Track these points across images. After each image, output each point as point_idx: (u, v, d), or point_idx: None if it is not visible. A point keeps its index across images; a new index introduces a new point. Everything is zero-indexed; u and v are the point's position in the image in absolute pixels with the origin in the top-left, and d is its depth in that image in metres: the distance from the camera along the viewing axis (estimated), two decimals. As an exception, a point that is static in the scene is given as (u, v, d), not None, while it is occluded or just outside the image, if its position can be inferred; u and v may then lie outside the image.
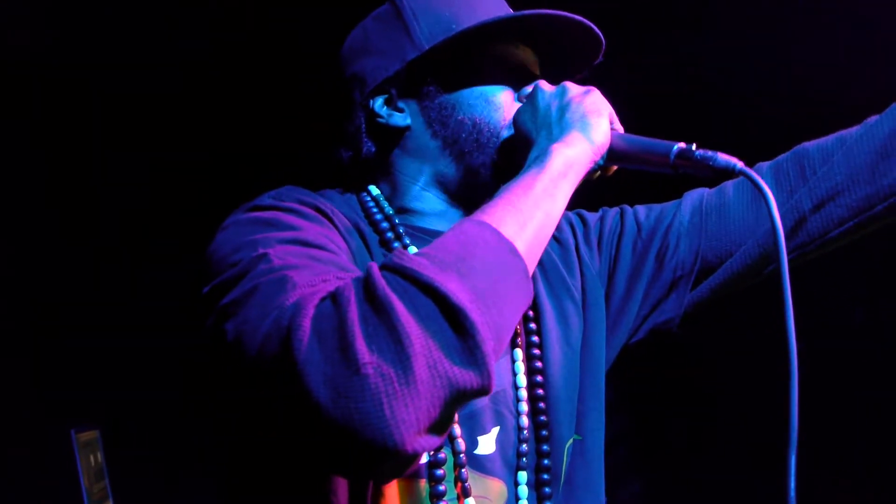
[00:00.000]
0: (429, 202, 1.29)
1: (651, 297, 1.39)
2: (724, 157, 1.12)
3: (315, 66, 2.97)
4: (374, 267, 0.92)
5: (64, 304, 3.12)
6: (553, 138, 1.14)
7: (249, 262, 1.02)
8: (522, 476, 1.20)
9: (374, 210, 1.27)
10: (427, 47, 1.25)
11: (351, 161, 1.33)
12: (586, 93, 1.19)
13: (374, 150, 1.30)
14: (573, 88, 1.20)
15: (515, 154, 1.21)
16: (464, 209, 1.29)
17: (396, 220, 1.26)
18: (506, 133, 1.25)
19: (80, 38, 2.81)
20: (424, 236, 1.25)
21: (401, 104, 1.29)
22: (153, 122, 3.09)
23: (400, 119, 1.29)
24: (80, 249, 3.20)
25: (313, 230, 1.09)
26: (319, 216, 1.14)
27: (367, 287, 0.89)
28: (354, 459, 0.87)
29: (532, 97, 1.22)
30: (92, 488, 2.79)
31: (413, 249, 1.21)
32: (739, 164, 1.11)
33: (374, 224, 1.25)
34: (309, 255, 1.02)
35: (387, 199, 1.31)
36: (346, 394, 0.84)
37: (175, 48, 2.88)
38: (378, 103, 1.29)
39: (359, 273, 0.99)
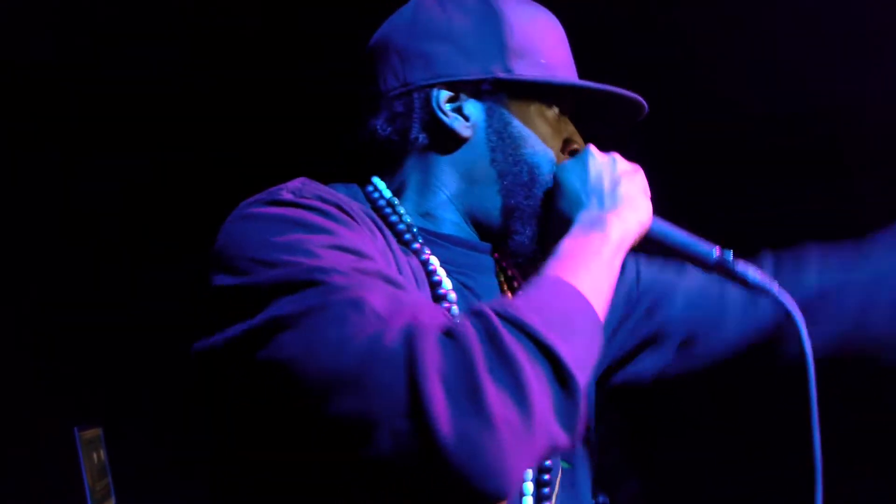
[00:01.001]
0: (449, 213, 1.23)
1: (630, 348, 1.39)
2: (758, 276, 1.13)
3: (313, 65, 3.01)
4: (491, 313, 0.91)
5: (66, 302, 3.13)
6: (605, 207, 1.14)
7: (298, 270, 0.95)
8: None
9: (388, 210, 1.21)
10: (522, 77, 1.20)
11: (380, 140, 1.23)
12: (636, 171, 1.19)
13: (421, 140, 1.20)
14: (623, 162, 1.20)
15: (551, 205, 1.20)
16: (476, 232, 1.25)
17: (409, 220, 1.21)
18: (547, 184, 1.22)
19: (73, 38, 2.82)
20: (437, 241, 1.21)
21: (467, 113, 1.21)
22: (150, 122, 3.10)
23: (463, 128, 1.20)
24: (82, 248, 3.21)
25: (347, 235, 1.03)
26: (345, 217, 1.07)
27: (489, 335, 0.88)
28: (454, 499, 0.86)
29: (583, 159, 1.20)
30: (95, 486, 2.80)
31: (434, 260, 1.17)
32: (775, 289, 1.13)
33: (390, 225, 1.20)
34: (359, 268, 0.97)
35: (395, 194, 1.24)
36: (474, 442, 0.83)
37: (174, 48, 2.89)
38: (442, 97, 1.20)
39: (410, 289, 0.96)
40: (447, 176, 1.22)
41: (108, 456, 3.01)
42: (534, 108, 1.23)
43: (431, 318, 0.91)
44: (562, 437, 0.88)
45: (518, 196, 1.21)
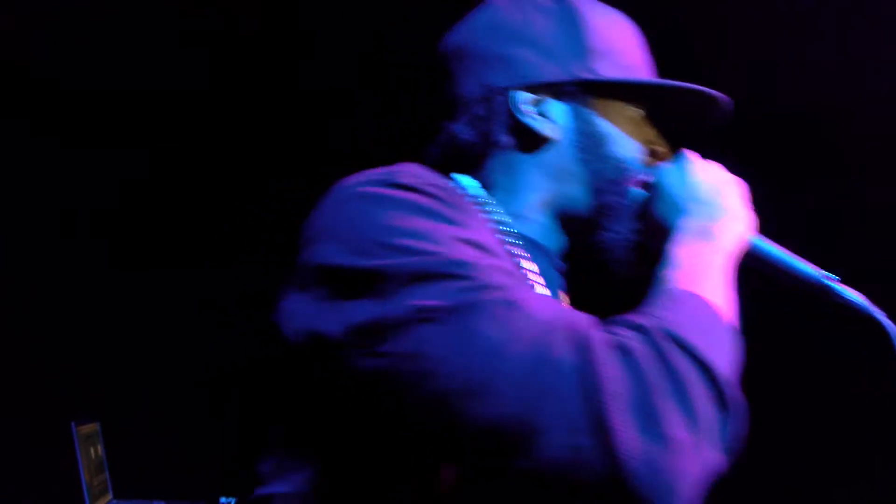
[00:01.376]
0: (538, 215, 1.20)
1: None
2: (863, 300, 1.13)
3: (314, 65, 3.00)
4: (657, 331, 0.90)
5: (64, 297, 3.13)
6: (710, 218, 1.13)
7: (436, 260, 0.91)
8: None
9: (487, 209, 1.18)
10: (605, 77, 1.19)
11: (461, 143, 1.21)
12: (737, 182, 1.19)
13: (505, 142, 1.19)
14: (724, 172, 1.19)
15: (646, 206, 1.20)
16: (565, 235, 1.23)
17: (509, 227, 1.18)
18: (637, 183, 1.22)
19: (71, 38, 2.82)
20: (531, 247, 1.19)
21: (550, 115, 1.19)
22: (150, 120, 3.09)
23: (548, 129, 1.19)
24: (79, 243, 3.21)
25: (474, 229, 0.99)
26: (469, 207, 1.04)
27: (660, 355, 0.88)
28: None
29: (684, 165, 1.20)
30: (92, 481, 2.80)
31: (533, 267, 1.15)
32: (879, 314, 1.12)
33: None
34: (496, 265, 0.94)
35: (486, 196, 1.21)
36: (656, 464, 0.83)
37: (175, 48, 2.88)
38: (524, 99, 1.18)
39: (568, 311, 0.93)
40: (534, 177, 1.21)
41: (106, 451, 3.00)
42: (617, 109, 1.22)
43: (591, 328, 0.89)
44: (723, 459, 0.89)
45: (609, 194, 1.20)
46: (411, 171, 1.03)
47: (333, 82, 3.01)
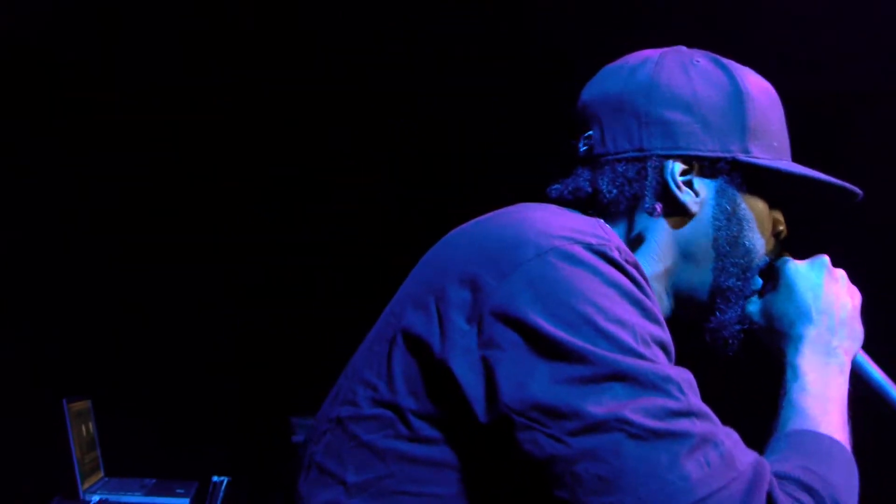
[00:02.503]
0: (660, 286, 1.18)
1: None
2: None
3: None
4: (826, 498, 0.93)
5: (56, 273, 3.12)
6: (835, 335, 1.14)
7: (649, 371, 0.89)
8: None
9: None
10: (761, 163, 1.16)
11: (605, 200, 1.17)
12: (857, 296, 1.19)
13: (649, 208, 1.15)
14: (849, 283, 1.19)
15: (767, 298, 1.19)
16: (674, 314, 1.20)
17: None
18: (758, 270, 1.21)
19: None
20: None
21: (697, 188, 1.16)
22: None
23: (693, 203, 1.16)
24: (70, 222, 3.19)
25: (665, 327, 0.97)
26: (655, 299, 1.01)
27: None
28: None
29: (819, 269, 1.19)
30: (83, 458, 2.80)
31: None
32: None
33: None
34: (689, 381, 0.93)
35: None
36: None
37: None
38: (675, 169, 1.15)
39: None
40: (667, 248, 1.18)
41: (98, 428, 3.00)
42: (759, 192, 1.20)
43: (776, 488, 0.90)
44: None
45: (731, 278, 1.18)
46: (616, 243, 1.00)
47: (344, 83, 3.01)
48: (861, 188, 1.20)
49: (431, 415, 0.97)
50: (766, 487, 0.87)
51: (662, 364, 0.91)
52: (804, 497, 0.90)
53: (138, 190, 3.24)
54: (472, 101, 2.85)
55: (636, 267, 0.99)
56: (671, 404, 0.88)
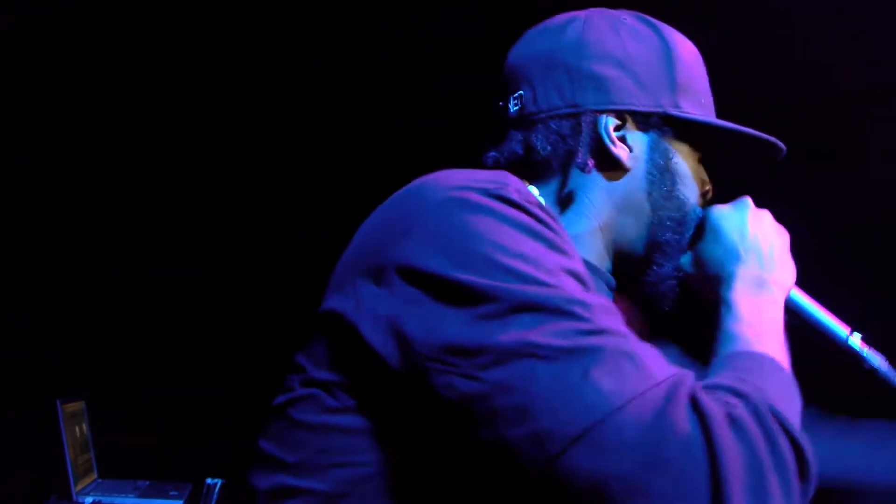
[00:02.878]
0: (596, 241, 1.19)
1: None
2: (885, 366, 1.13)
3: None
4: (761, 403, 0.89)
5: (48, 273, 3.10)
6: (764, 269, 1.14)
7: (556, 296, 0.88)
8: None
9: None
10: (691, 117, 1.18)
11: (537, 157, 1.17)
12: (785, 233, 1.20)
13: (583, 164, 1.15)
14: (775, 222, 1.20)
15: (697, 246, 1.20)
16: (612, 263, 1.21)
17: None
18: (693, 224, 1.22)
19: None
20: (591, 272, 1.14)
21: (630, 143, 1.17)
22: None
23: (625, 156, 1.17)
24: (63, 218, 3.18)
25: (576, 259, 0.96)
26: (566, 235, 0.99)
27: (769, 437, 0.87)
28: None
29: (742, 210, 1.20)
30: (77, 460, 2.78)
31: None
32: None
33: None
34: (604, 305, 0.91)
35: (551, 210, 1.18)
36: None
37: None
38: (608, 124, 1.16)
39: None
40: (602, 204, 1.18)
41: (91, 430, 2.98)
42: (689, 148, 1.22)
43: (702, 392, 0.87)
44: None
45: (667, 232, 1.19)
46: (515, 186, 0.99)
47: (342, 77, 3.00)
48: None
49: (354, 384, 0.97)
50: (686, 392, 0.85)
51: (570, 289, 0.90)
52: (733, 400, 0.87)
53: (136, 189, 3.23)
54: (472, 102, 2.84)
55: (539, 207, 0.98)
56: (579, 324, 0.87)
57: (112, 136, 3.13)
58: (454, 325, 0.88)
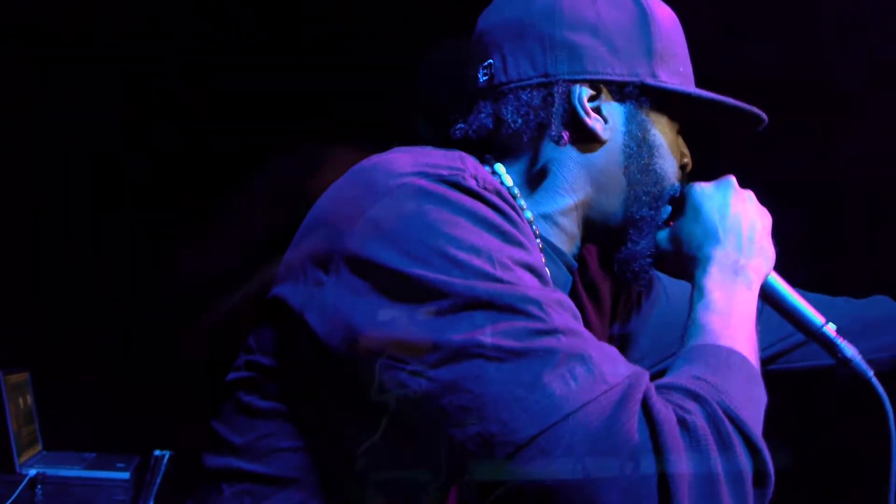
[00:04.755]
0: (569, 221, 1.14)
1: None
2: (857, 357, 1.12)
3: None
4: (715, 405, 0.87)
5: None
6: (743, 253, 1.11)
7: (508, 293, 0.86)
8: None
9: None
10: (668, 87, 1.12)
11: (507, 130, 1.11)
12: (767, 216, 1.17)
13: (556, 137, 1.10)
14: (758, 203, 1.17)
15: (676, 223, 1.17)
16: (588, 243, 1.19)
17: (534, 228, 1.12)
18: (670, 198, 1.18)
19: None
20: (552, 254, 1.13)
21: (606, 114, 1.12)
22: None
23: (601, 128, 1.11)
24: (14, 193, 3.11)
25: (532, 251, 0.94)
26: (523, 223, 0.97)
27: (723, 441, 0.85)
28: None
29: (725, 190, 1.16)
30: (20, 431, 2.73)
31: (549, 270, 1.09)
32: (870, 373, 1.12)
33: None
34: (559, 300, 0.89)
35: (517, 190, 1.14)
36: None
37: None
38: (582, 94, 1.10)
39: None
40: (577, 179, 1.13)
41: (36, 401, 2.93)
42: (667, 118, 1.17)
43: (654, 396, 0.86)
44: None
45: (643, 207, 1.14)
46: (471, 170, 0.96)
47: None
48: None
49: (299, 371, 0.96)
50: (639, 397, 0.84)
51: (524, 285, 0.88)
52: (688, 404, 0.86)
53: (84, 159, 3.17)
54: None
55: (498, 193, 0.95)
56: (532, 324, 0.85)
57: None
58: (403, 321, 0.86)
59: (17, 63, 2.99)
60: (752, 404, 0.92)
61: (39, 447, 2.89)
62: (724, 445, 0.85)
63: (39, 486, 2.55)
